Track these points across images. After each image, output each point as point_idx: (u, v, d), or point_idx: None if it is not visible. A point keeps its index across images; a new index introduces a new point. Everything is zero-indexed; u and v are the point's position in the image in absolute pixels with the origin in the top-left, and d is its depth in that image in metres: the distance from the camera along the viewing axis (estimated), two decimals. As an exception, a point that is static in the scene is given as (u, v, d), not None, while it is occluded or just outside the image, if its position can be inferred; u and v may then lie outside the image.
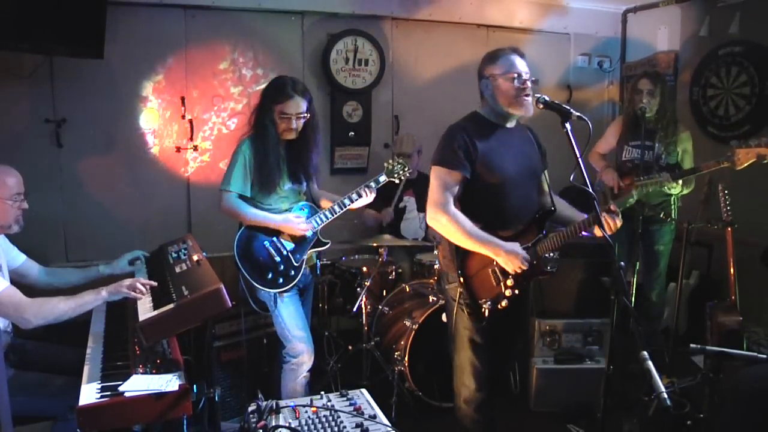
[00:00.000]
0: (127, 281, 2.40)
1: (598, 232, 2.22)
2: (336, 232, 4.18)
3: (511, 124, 2.47)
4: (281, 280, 2.79)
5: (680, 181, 3.44)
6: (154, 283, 2.44)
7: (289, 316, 2.82)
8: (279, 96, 2.75)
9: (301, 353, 2.83)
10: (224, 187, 2.79)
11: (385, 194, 4.16)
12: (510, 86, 2.34)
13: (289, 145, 2.84)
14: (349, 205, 2.92)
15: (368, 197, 2.95)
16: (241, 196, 2.79)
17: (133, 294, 2.37)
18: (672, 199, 3.65)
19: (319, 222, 2.89)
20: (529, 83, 2.34)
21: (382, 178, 3.02)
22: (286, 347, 2.85)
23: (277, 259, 2.80)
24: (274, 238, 2.83)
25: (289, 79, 2.80)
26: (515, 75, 2.33)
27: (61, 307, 2.23)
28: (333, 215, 2.90)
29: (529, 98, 2.34)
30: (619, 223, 2.25)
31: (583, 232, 2.32)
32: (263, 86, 2.94)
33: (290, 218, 2.81)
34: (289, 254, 2.83)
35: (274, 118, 2.76)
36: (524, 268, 2.30)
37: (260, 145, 2.76)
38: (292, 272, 2.82)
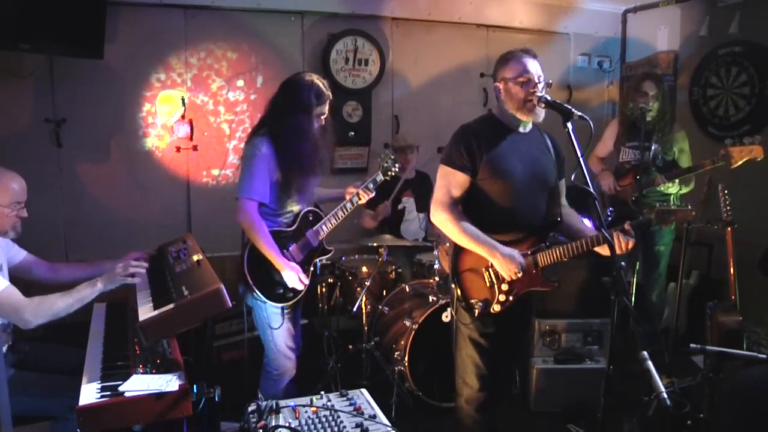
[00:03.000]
0: (119, 267, 2.37)
1: (604, 251, 2.18)
2: (336, 232, 4.18)
3: (525, 129, 2.40)
4: (291, 294, 2.72)
5: (676, 180, 3.44)
6: (146, 265, 2.43)
7: (280, 332, 2.74)
8: (322, 97, 2.66)
9: (284, 367, 2.77)
10: (245, 194, 2.59)
11: (383, 192, 4.16)
12: (519, 90, 2.28)
13: None
14: (350, 209, 2.86)
15: (368, 197, 2.91)
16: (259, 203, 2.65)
17: (129, 279, 2.36)
18: (671, 198, 3.65)
19: (324, 231, 2.84)
20: (540, 86, 2.27)
21: (380, 178, 2.95)
22: (269, 358, 2.77)
23: None
24: (284, 251, 2.72)
25: (318, 79, 2.69)
26: (525, 79, 2.27)
27: (59, 304, 2.22)
28: (337, 221, 2.84)
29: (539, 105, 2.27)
30: (631, 244, 2.21)
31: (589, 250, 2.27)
32: (282, 84, 2.75)
33: (298, 267, 2.69)
34: (298, 266, 2.75)
35: (313, 120, 2.66)
36: (519, 275, 2.28)
37: (297, 148, 2.61)
38: None
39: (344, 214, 2.84)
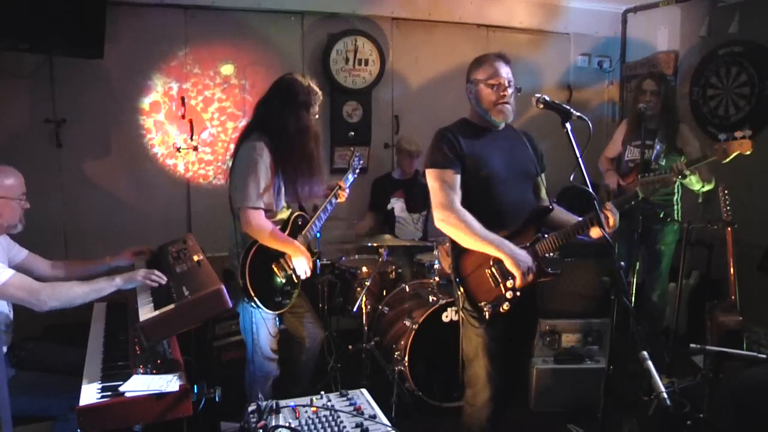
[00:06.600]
0: (142, 271, 2.43)
1: (596, 233, 2.23)
2: (336, 232, 4.19)
3: (500, 126, 2.45)
4: (286, 301, 2.78)
5: (697, 175, 3.35)
6: (165, 279, 2.45)
7: (265, 336, 2.79)
8: (314, 96, 2.70)
9: (269, 368, 2.83)
10: (253, 204, 2.55)
11: (381, 191, 4.17)
12: (490, 92, 2.35)
13: None
14: (330, 210, 2.93)
15: (345, 197, 3.02)
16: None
17: (148, 282, 2.40)
18: (675, 199, 3.66)
19: (313, 234, 2.89)
20: (509, 91, 2.34)
21: (352, 176, 3.08)
22: (254, 362, 2.80)
23: (283, 280, 2.76)
24: (281, 258, 2.75)
25: (307, 78, 2.74)
26: (496, 83, 2.34)
27: (76, 291, 2.25)
28: (321, 223, 2.92)
29: (509, 106, 2.35)
30: (615, 220, 2.25)
31: (582, 234, 2.31)
32: (275, 85, 2.75)
33: (309, 254, 2.74)
34: (292, 272, 2.79)
35: (311, 119, 2.69)
36: (531, 278, 2.27)
37: (305, 147, 2.63)
38: (295, 291, 2.83)
39: (325, 215, 2.92)
